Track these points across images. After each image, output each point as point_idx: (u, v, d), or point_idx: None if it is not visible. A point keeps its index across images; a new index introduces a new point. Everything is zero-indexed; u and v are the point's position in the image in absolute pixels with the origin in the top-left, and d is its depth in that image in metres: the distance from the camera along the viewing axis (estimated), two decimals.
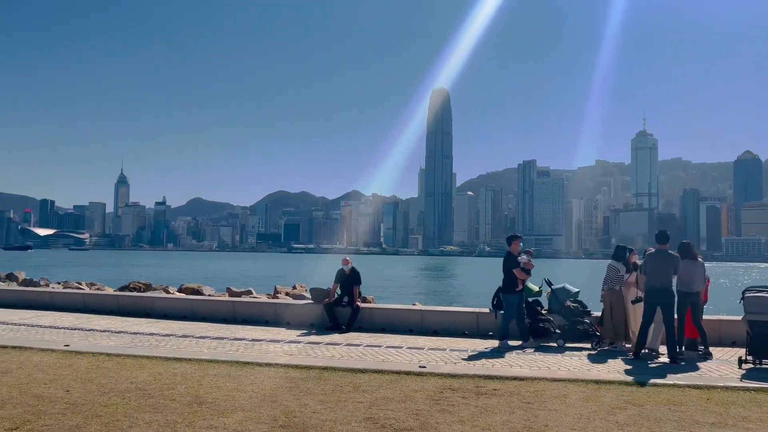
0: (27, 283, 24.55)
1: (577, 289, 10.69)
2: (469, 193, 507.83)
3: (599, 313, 10.48)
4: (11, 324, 12.08)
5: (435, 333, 11.36)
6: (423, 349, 9.66)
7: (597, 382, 7.44)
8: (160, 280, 34.26)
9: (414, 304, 15.55)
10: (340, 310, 12.16)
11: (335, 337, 10.95)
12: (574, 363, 8.72)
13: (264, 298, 17.58)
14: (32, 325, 11.92)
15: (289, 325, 12.24)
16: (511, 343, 10.02)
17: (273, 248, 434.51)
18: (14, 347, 9.16)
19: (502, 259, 10.62)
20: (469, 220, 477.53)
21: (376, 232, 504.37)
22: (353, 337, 10.97)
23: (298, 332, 11.40)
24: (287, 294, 19.72)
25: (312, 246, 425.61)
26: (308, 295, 16.97)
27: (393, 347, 9.77)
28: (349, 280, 12.35)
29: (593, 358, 9.08)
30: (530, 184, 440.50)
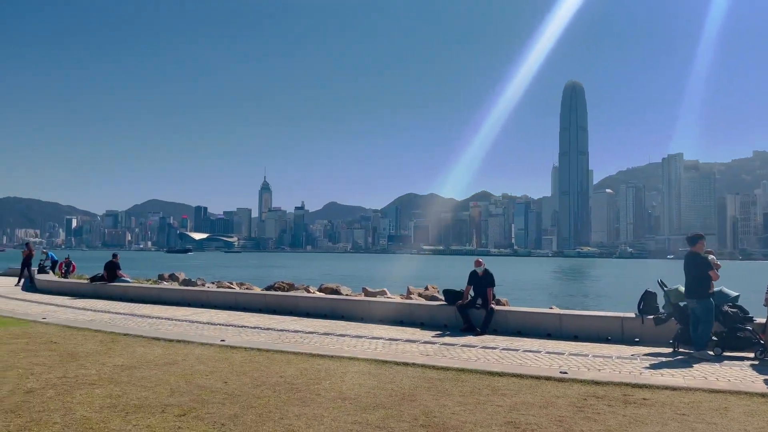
0: (186, 282, 27.06)
1: (737, 293, 9.73)
2: (608, 190, 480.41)
3: (763, 320, 9.46)
4: (175, 320, 13.39)
5: (575, 338, 10.91)
6: (563, 354, 9.32)
7: (764, 395, 6.73)
8: (301, 280, 36.14)
9: (551, 308, 15.03)
10: (474, 312, 12.07)
11: (470, 339, 10.90)
12: (735, 374, 7.94)
13: (398, 299, 17.92)
14: (192, 321, 13.12)
15: (423, 326, 12.37)
16: (684, 350, 9.32)
17: (403, 249, 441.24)
18: (178, 341, 10.13)
19: (679, 261, 9.82)
20: (608, 219, 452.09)
21: (507, 233, 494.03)
22: (488, 339, 10.84)
23: (433, 333, 11.48)
24: (420, 295, 19.95)
25: (441, 247, 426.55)
26: (441, 296, 17.04)
27: (531, 351, 9.53)
28: (483, 281, 12.23)
29: (758, 369, 8.21)
30: (677, 179, 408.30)
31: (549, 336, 11.09)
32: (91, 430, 5.27)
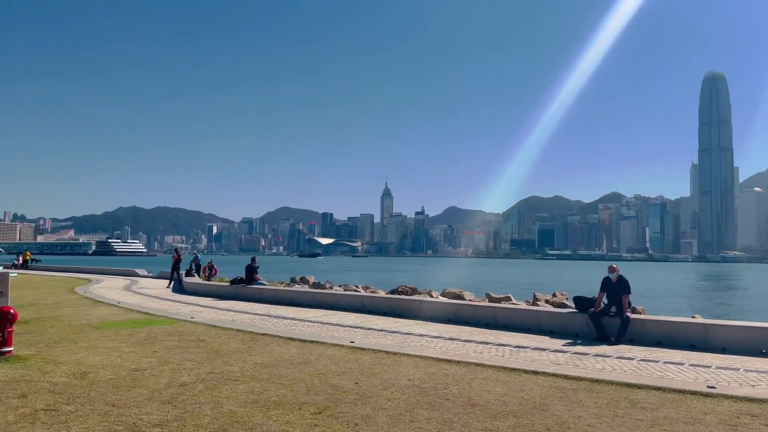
0: (316, 285, 28.28)
1: None
2: (757, 189, 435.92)
3: None
4: (307, 321, 14.04)
5: (723, 350, 10.02)
6: (710, 367, 8.60)
7: None
8: (423, 285, 36.40)
9: (694, 317, 13.93)
10: (608, 321, 11.48)
11: (604, 348, 10.38)
12: None
13: (524, 305, 17.49)
14: (323, 323, 13.68)
15: (552, 334, 11.97)
16: None
17: (526, 254, 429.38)
18: (312, 341, 10.61)
19: None
20: (758, 221, 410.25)
21: (641, 236, 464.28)
22: (624, 349, 10.26)
23: (563, 341, 11.07)
24: (547, 301, 19.33)
25: (568, 252, 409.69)
26: (570, 303, 16.39)
27: (672, 363, 8.89)
28: (617, 288, 11.60)
29: None
30: None
31: (692, 347, 10.28)
32: (237, 423, 5.67)
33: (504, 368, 8.32)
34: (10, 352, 8.65)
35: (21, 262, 46.01)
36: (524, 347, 10.37)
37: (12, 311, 8.71)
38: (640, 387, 7.26)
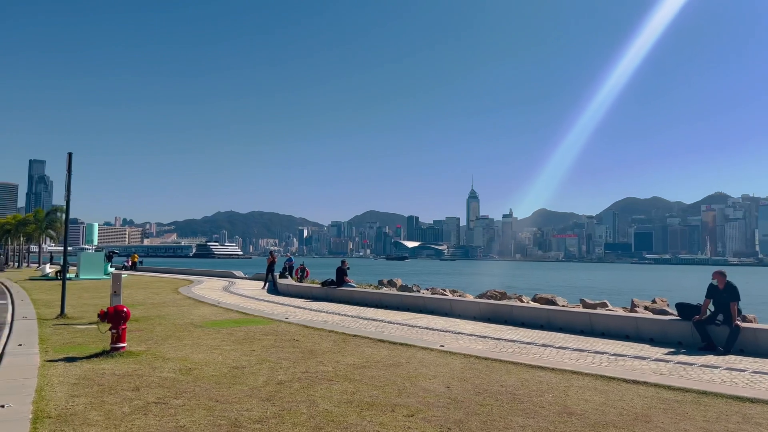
0: (403, 288, 28.46)
1: None
2: None
3: None
4: (396, 323, 14.15)
5: None
6: None
7: None
8: (512, 289, 35.71)
9: None
10: (714, 329, 10.77)
11: (711, 358, 9.74)
12: None
13: (621, 311, 16.74)
14: (412, 326, 13.73)
15: (652, 342, 11.39)
16: None
17: (622, 258, 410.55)
18: (401, 344, 10.68)
19: None
20: None
21: (749, 239, 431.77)
22: (734, 360, 9.58)
23: (665, 350, 10.50)
24: (646, 308, 18.41)
25: (668, 256, 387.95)
26: (672, 310, 15.53)
27: None
28: (724, 295, 10.85)
29: None
30: None
31: None
32: (332, 422, 5.80)
33: (602, 377, 8.00)
34: (124, 347, 9.31)
35: (130, 264, 49.35)
36: (623, 355, 9.92)
37: (125, 310, 9.38)
38: (753, 401, 6.75)
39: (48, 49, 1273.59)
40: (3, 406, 6.08)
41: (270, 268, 28.24)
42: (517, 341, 11.49)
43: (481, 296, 22.21)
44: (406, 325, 13.92)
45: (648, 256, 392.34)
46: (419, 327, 13.53)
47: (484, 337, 12.06)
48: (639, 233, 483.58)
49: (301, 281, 29.18)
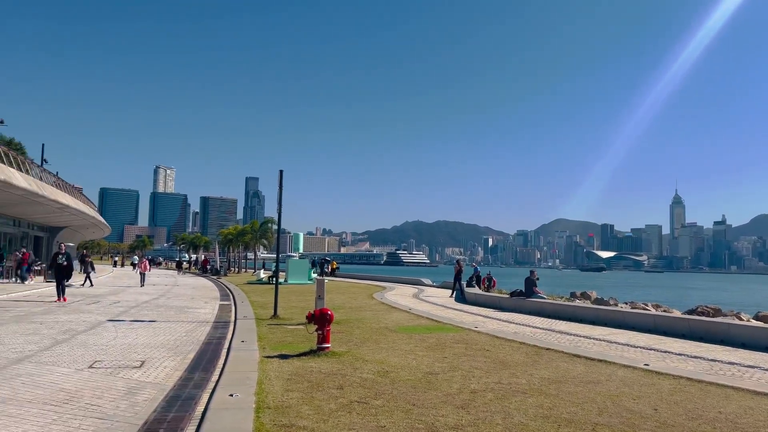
0: (598, 301, 26.86)
1: None
2: None
3: None
4: (592, 338, 13.40)
5: None
6: None
7: None
8: (728, 305, 31.79)
9: None
10: None
11: None
12: None
13: None
14: (610, 342, 12.89)
15: None
16: None
17: None
18: (599, 360, 10.08)
19: None
20: None
21: None
22: None
23: None
24: None
25: None
26: None
27: None
28: None
29: None
30: None
31: None
32: None
33: None
34: (328, 347, 10.08)
35: (330, 270, 53.20)
36: None
37: (329, 312, 10.16)
38: None
39: (265, 77, 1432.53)
40: (232, 395, 6.93)
41: (457, 277, 28.52)
42: (736, 364, 10.20)
43: (690, 312, 20.08)
44: (603, 340, 13.12)
45: None
46: (618, 343, 12.66)
47: (696, 357, 10.90)
48: None
49: (488, 291, 29.02)
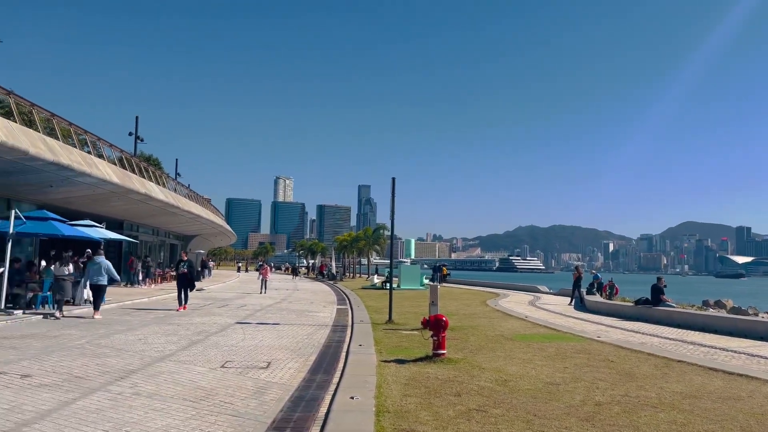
0: (734, 311, 24.68)
1: None
2: None
3: None
4: (730, 351, 12.34)
5: None
6: None
7: None
8: None
9: None
10: None
11: None
12: None
13: None
14: (751, 355, 11.81)
15: None
16: None
17: None
18: (740, 375, 9.25)
19: None
20: None
21: None
22: None
23: None
24: None
25: None
26: None
27: None
28: None
29: None
30: None
31: None
32: None
33: None
34: (444, 354, 10.08)
35: (440, 276, 53.19)
36: None
37: (444, 319, 10.16)
38: None
39: (375, 84, 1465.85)
40: (352, 398, 7.13)
41: (576, 284, 27.42)
42: None
43: None
44: (743, 353, 12.03)
45: None
46: (762, 357, 11.56)
47: None
48: None
49: (609, 299, 27.63)
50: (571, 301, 27.23)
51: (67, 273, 17.37)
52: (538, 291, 38.19)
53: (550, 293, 37.52)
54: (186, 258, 20.97)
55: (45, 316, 16.25)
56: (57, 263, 17.84)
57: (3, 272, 16.62)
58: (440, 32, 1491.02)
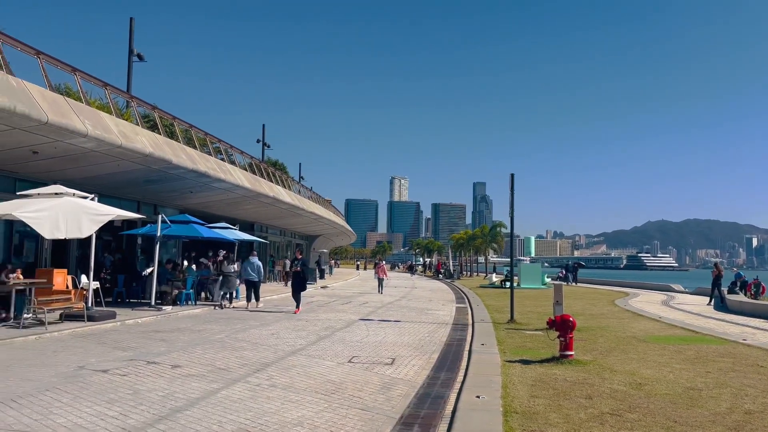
0: None
1: None
2: None
3: None
4: None
5: None
6: None
7: None
8: None
9: None
10: None
11: None
12: None
13: None
14: None
15: None
16: None
17: None
18: None
19: None
20: None
21: None
22: None
23: None
24: None
25: None
26: None
27: None
28: None
29: None
30: None
31: None
32: None
33: None
34: (571, 355, 9.74)
35: (564, 274, 51.28)
36: None
37: (571, 319, 9.81)
38: None
39: (490, 83, 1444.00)
40: (478, 397, 7.11)
41: (716, 282, 25.31)
42: None
43: None
44: None
45: None
46: None
47: None
48: None
49: (755, 298, 25.23)
50: (710, 301, 25.18)
51: (233, 270, 20.33)
52: (672, 290, 35.70)
53: (686, 292, 34.97)
54: (300, 256, 20.71)
55: (214, 306, 19.60)
56: (201, 261, 20.83)
57: (153, 271, 18.34)
58: (553, 29, 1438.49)
